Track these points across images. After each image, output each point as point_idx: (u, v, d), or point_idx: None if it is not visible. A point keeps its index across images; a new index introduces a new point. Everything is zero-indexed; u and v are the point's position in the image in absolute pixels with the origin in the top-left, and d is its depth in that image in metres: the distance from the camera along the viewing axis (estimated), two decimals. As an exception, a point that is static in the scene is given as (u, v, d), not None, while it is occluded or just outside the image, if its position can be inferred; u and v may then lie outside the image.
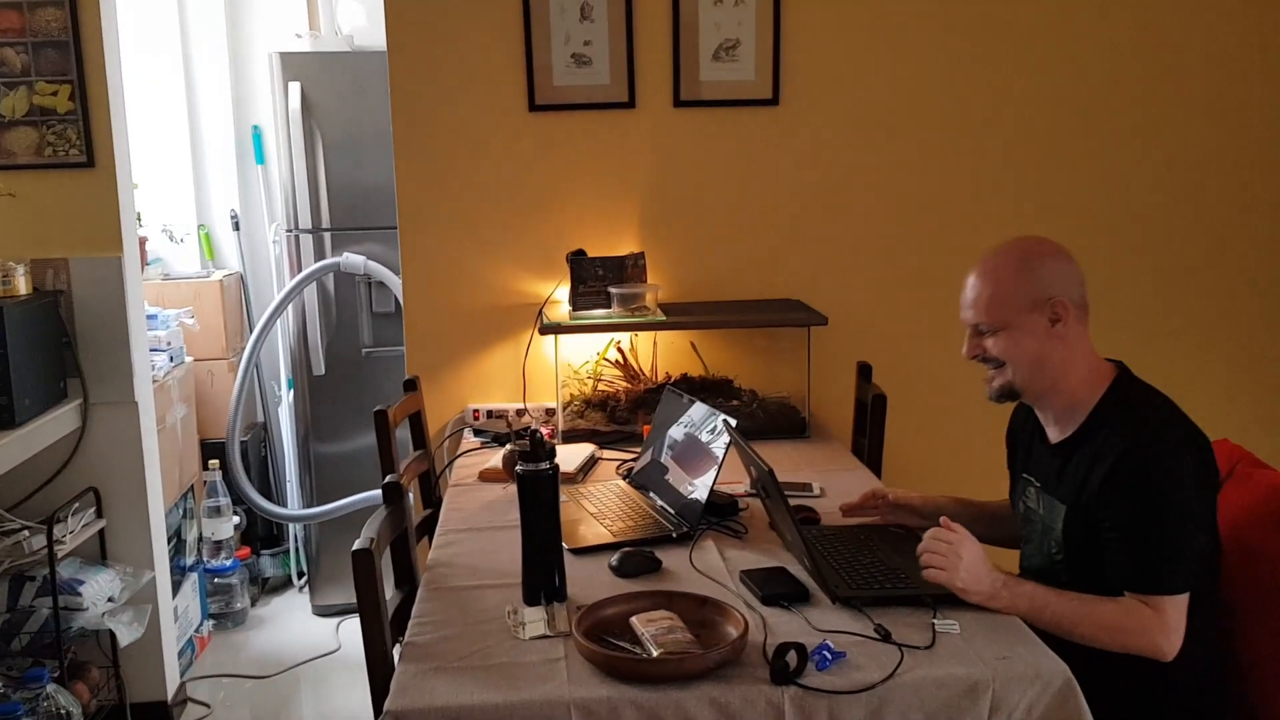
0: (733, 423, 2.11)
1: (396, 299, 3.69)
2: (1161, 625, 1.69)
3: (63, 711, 2.70)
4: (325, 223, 3.79)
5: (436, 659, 1.63)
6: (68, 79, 2.85)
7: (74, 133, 2.87)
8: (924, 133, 3.11)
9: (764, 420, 2.87)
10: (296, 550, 4.15)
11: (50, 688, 2.69)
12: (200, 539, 3.75)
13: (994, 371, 1.88)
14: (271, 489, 4.17)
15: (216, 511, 3.79)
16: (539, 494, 1.78)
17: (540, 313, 3.00)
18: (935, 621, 1.69)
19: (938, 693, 1.54)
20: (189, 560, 3.61)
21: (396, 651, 1.73)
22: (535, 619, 1.73)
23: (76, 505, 2.88)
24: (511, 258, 3.08)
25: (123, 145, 2.96)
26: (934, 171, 3.13)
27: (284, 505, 4.12)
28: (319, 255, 3.80)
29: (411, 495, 2.65)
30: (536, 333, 3.00)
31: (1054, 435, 1.92)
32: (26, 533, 2.75)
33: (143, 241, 3.58)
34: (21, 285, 2.75)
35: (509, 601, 1.80)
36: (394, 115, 3.01)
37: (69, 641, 2.87)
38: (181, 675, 3.30)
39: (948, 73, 3.09)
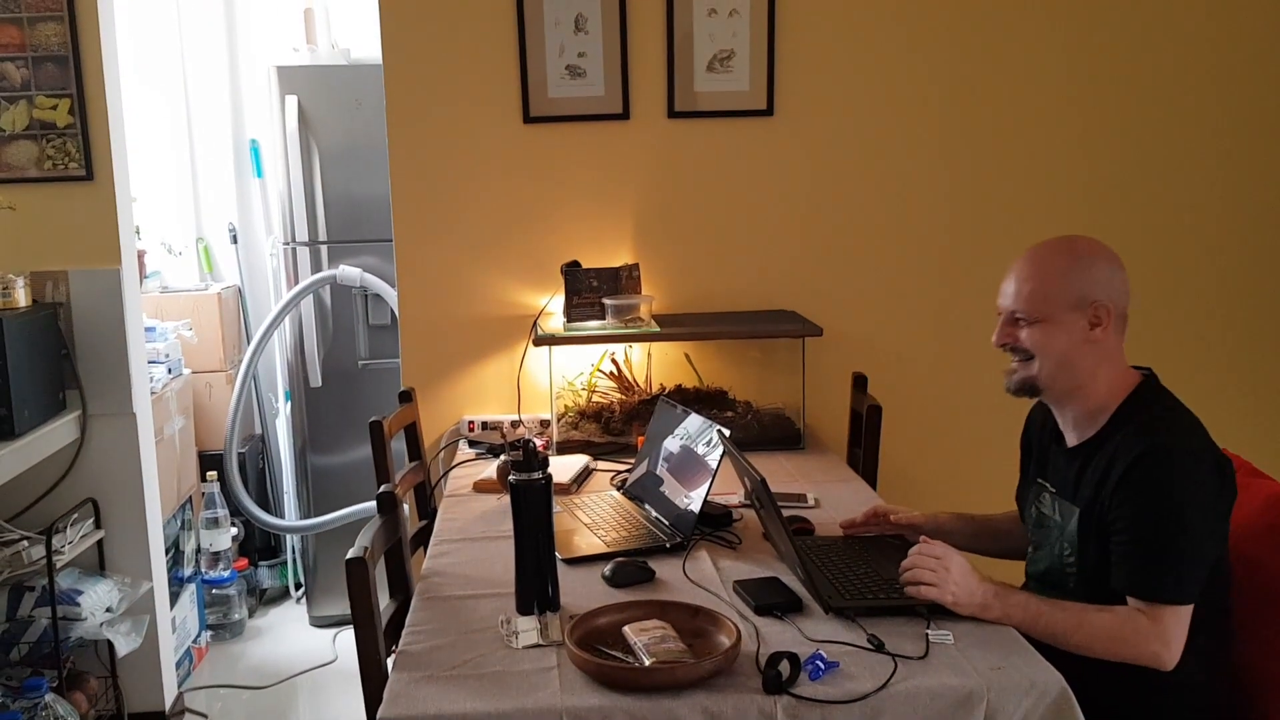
0: (727, 432, 2.12)
1: (392, 311, 3.70)
2: (1159, 634, 1.69)
3: (60, 722, 2.70)
4: (322, 235, 3.81)
5: (429, 668, 1.64)
6: (67, 93, 2.87)
7: (73, 146, 2.89)
8: (919, 143, 3.13)
9: (759, 431, 2.88)
10: (294, 561, 4.15)
11: (49, 697, 2.70)
12: (198, 550, 3.76)
13: (1019, 364, 1.87)
14: (269, 501, 4.18)
15: (214, 523, 3.80)
16: (532, 504, 1.79)
17: (534, 324, 3.02)
18: (929, 632, 1.70)
19: (931, 703, 1.55)
20: (187, 571, 3.62)
21: (391, 661, 1.74)
22: (528, 628, 1.74)
23: (75, 516, 2.89)
24: (506, 269, 3.09)
25: (121, 159, 2.98)
26: (929, 182, 3.15)
27: (281, 517, 4.13)
28: (316, 268, 3.81)
29: (407, 506, 2.67)
30: (531, 344, 3.02)
31: (1072, 439, 1.91)
32: (26, 543, 2.76)
33: (141, 255, 3.60)
34: (21, 297, 2.76)
35: (502, 611, 1.81)
36: (389, 128, 3.03)
37: (67, 651, 2.88)
38: (179, 685, 3.31)
39: (943, 83, 3.11)
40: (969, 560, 1.79)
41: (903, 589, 1.80)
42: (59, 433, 2.85)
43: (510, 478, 1.82)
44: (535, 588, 1.79)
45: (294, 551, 4.14)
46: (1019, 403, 3.13)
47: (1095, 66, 3.14)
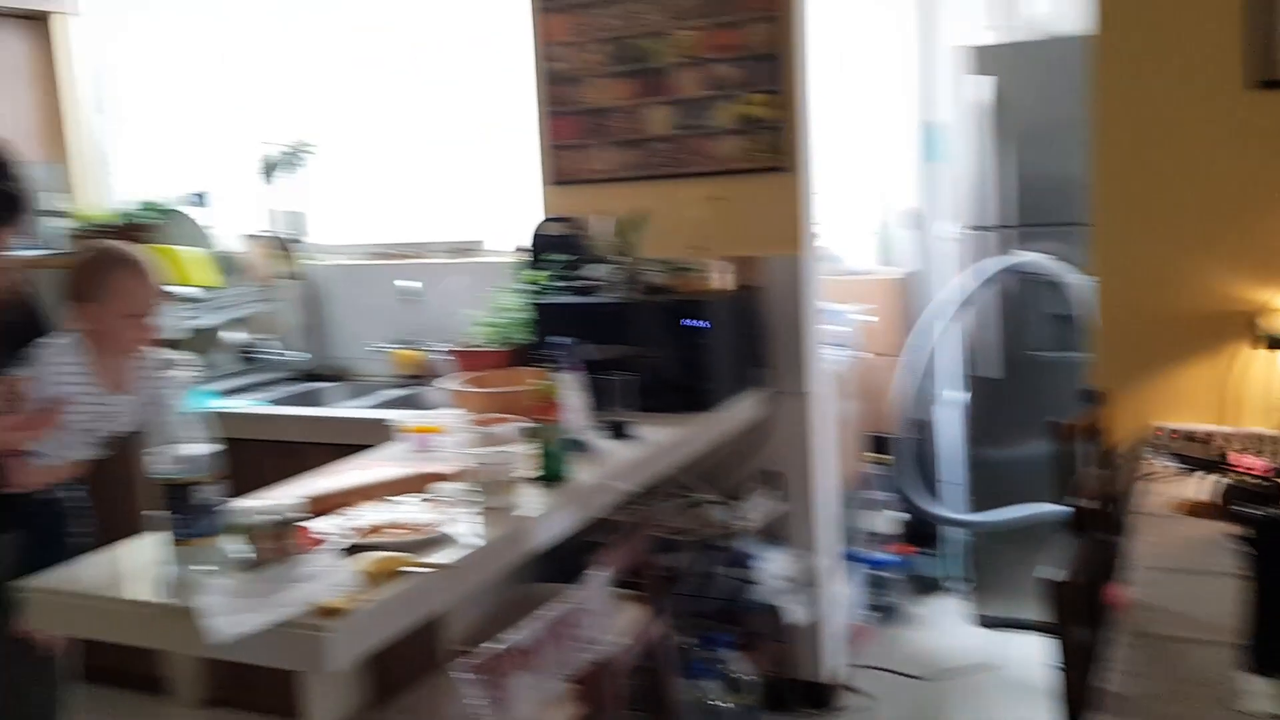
0: None
1: (1073, 301, 3.43)
2: None
3: (738, 677, 2.90)
4: (1005, 219, 3.65)
5: (1141, 716, 1.44)
6: (770, 89, 3.03)
7: (772, 139, 3.06)
8: None
9: None
10: (956, 554, 4.06)
11: (729, 654, 2.91)
12: (864, 532, 3.83)
13: None
14: (930, 489, 4.13)
15: (878, 505, 3.85)
16: (1275, 546, 1.49)
17: (1257, 323, 2.57)
18: None
19: None
20: (852, 550, 3.70)
21: (1092, 699, 1.56)
22: (1259, 690, 1.45)
23: (758, 486, 3.09)
24: (1223, 258, 2.68)
25: (810, 150, 3.09)
26: None
27: (942, 507, 4.05)
28: (993, 253, 3.66)
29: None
30: (1257, 347, 2.57)
31: None
32: (715, 506, 3.01)
33: (821, 238, 3.74)
34: (728, 281, 2.99)
35: (1223, 663, 1.53)
36: (1095, 103, 2.76)
37: (746, 613, 3.09)
38: (841, 662, 3.39)
39: None
40: None
41: None
42: (746, 407, 3.06)
43: (1241, 508, 1.53)
44: (1274, 646, 1.48)
45: (955, 545, 4.05)
46: None
47: None
